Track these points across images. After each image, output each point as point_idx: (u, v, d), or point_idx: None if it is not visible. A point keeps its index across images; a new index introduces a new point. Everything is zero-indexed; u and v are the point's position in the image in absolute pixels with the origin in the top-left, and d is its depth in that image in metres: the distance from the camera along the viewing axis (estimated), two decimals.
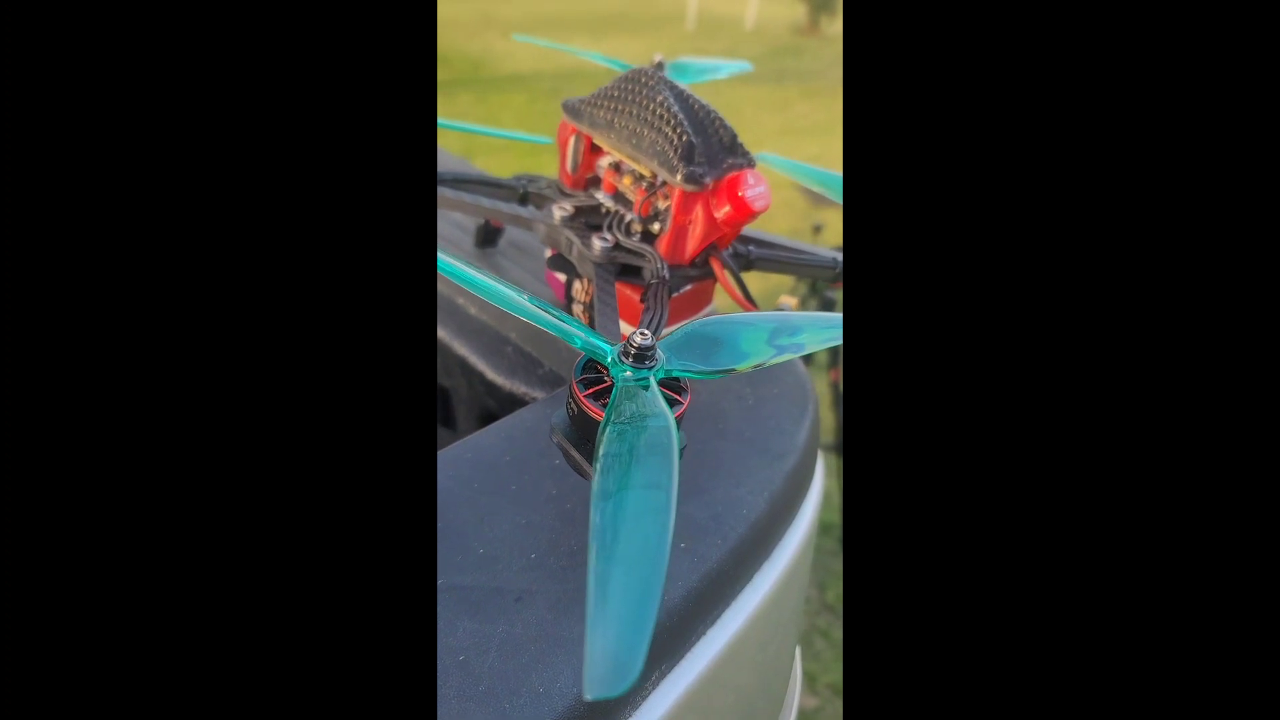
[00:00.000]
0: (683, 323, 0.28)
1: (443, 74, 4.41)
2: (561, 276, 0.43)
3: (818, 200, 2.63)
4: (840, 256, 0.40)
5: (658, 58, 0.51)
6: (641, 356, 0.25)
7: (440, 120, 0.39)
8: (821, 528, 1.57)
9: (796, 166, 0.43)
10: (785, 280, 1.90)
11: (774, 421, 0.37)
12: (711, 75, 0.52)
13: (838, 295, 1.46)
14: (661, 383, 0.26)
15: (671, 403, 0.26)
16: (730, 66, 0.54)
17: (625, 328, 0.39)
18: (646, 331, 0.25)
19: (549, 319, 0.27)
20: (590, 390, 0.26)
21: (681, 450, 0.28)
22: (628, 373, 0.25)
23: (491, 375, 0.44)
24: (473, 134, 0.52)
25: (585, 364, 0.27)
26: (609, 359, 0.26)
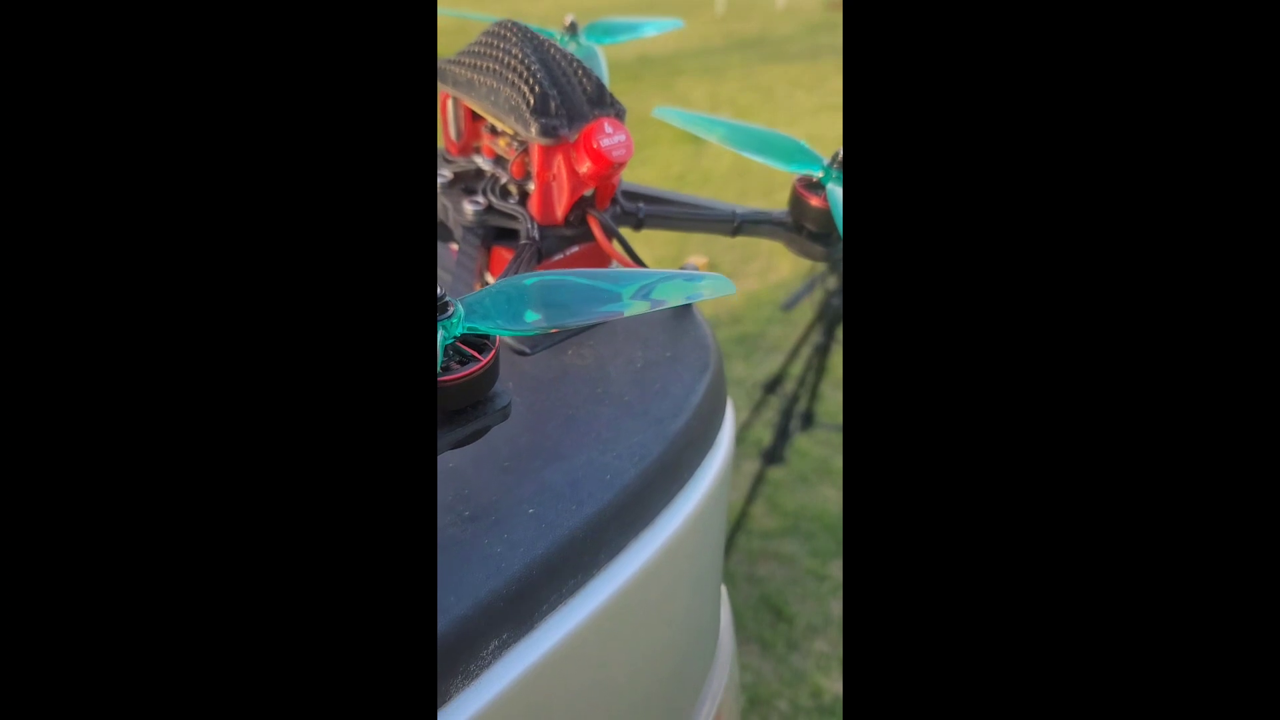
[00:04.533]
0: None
1: None
2: (454, 246, 0.41)
3: None
4: (738, 210, 0.38)
5: (569, 19, 0.49)
6: None
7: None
8: None
9: (698, 119, 0.40)
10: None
11: (659, 385, 0.35)
12: (634, 34, 0.50)
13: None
14: (462, 339, 0.25)
15: (466, 359, 0.24)
16: (657, 24, 0.52)
17: None
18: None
19: None
20: None
21: (506, 408, 0.26)
22: None
23: None
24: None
25: None
26: None
